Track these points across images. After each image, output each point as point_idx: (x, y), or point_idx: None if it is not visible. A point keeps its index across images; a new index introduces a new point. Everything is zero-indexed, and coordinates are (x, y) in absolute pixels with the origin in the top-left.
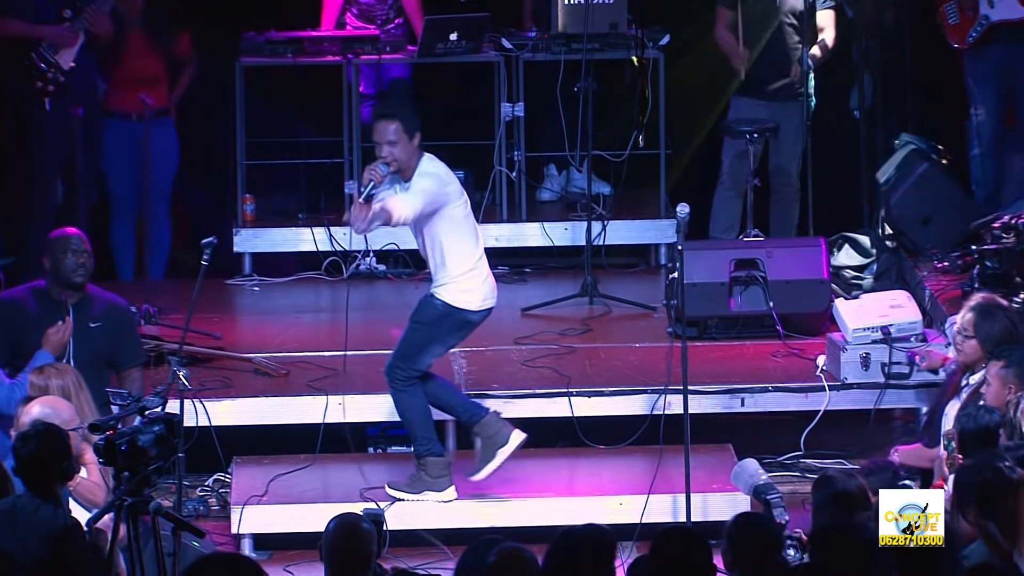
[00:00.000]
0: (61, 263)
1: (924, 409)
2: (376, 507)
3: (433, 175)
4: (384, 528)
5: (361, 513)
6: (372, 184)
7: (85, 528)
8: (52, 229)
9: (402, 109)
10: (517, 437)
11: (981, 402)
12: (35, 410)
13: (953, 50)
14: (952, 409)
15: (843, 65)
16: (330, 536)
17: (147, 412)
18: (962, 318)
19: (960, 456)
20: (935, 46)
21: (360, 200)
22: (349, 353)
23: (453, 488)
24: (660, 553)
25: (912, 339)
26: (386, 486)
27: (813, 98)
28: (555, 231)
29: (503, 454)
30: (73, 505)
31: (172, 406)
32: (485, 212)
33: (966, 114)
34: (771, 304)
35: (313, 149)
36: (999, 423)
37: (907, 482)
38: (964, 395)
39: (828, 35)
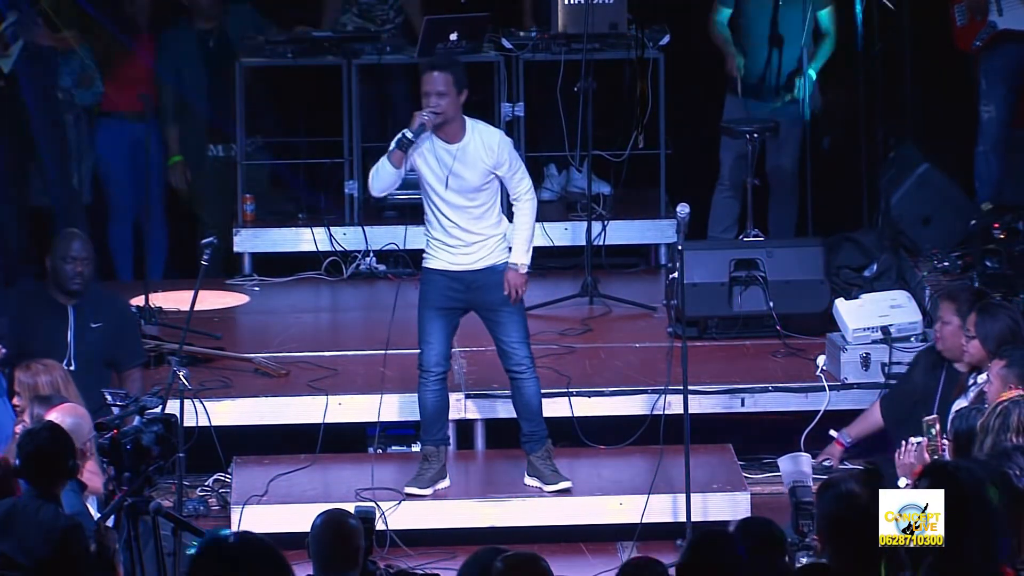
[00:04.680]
0: (60, 269)
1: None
2: (373, 506)
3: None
4: (376, 526)
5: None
6: (422, 128)
7: (93, 527)
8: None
9: (453, 64)
10: None
11: (986, 404)
12: (55, 418)
13: (954, 49)
14: (958, 408)
15: (843, 66)
16: (316, 532)
17: (146, 412)
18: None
19: (946, 443)
20: (935, 46)
21: (395, 147)
22: (349, 353)
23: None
24: (695, 555)
25: (912, 339)
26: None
27: (807, 99)
28: (555, 231)
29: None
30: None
31: (172, 406)
32: None
33: (967, 113)
34: (771, 304)
35: (313, 149)
36: None
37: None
38: (971, 394)
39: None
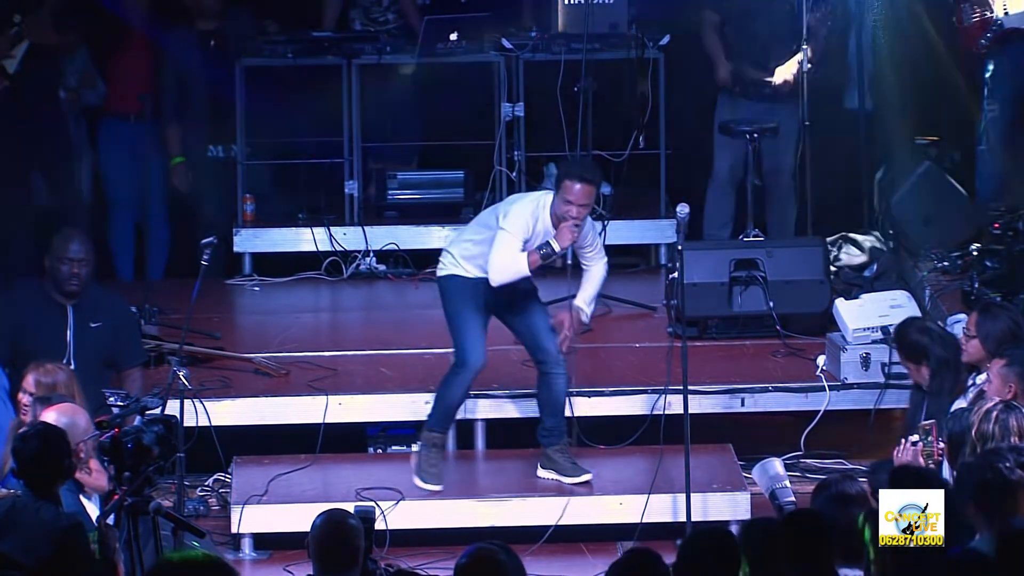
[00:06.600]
0: (57, 270)
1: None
2: (373, 506)
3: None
4: (375, 525)
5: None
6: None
7: (95, 524)
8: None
9: (598, 174)
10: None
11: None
12: (51, 417)
13: (956, 49)
14: (955, 408)
15: (842, 65)
16: (316, 531)
17: (146, 412)
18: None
19: (940, 447)
20: (935, 45)
21: (538, 254)
22: (349, 353)
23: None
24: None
25: None
26: None
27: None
28: None
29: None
30: (87, 504)
31: (172, 406)
32: None
33: (967, 112)
34: (771, 304)
35: (313, 149)
36: None
37: None
38: (971, 394)
39: (818, 36)
